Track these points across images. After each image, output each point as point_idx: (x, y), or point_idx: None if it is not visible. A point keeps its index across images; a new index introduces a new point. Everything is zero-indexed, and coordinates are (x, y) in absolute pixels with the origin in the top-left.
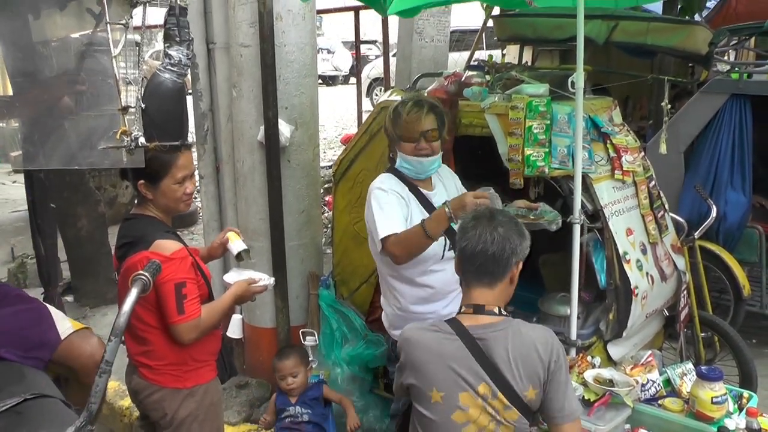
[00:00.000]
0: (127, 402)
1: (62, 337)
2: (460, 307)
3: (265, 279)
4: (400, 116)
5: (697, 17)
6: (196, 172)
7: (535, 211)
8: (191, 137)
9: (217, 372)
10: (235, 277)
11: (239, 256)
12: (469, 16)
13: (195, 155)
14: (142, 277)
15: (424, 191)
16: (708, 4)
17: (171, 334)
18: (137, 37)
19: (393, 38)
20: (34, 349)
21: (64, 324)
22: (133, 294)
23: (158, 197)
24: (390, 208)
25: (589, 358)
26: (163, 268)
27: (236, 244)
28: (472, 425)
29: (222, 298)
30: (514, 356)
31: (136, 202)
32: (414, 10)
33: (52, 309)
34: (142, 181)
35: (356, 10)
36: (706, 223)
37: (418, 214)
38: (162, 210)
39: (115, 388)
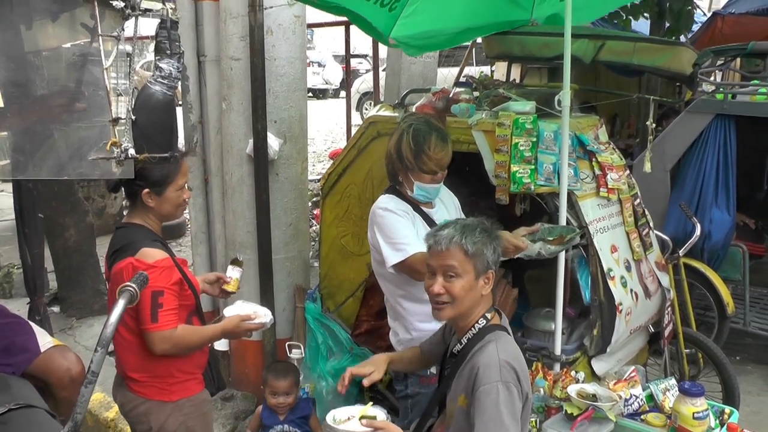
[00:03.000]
0: (111, 414)
1: (42, 350)
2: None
3: (263, 317)
4: (425, 152)
5: (683, 38)
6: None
7: (537, 233)
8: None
9: (204, 385)
10: (234, 311)
11: (235, 261)
12: None
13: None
14: (130, 288)
15: (425, 210)
16: (694, 26)
17: (144, 341)
18: (128, 48)
19: (383, 53)
20: (15, 354)
21: (45, 338)
22: (120, 305)
23: (161, 204)
24: (407, 230)
25: (573, 373)
26: None
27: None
28: None
29: (210, 327)
30: None
31: (125, 212)
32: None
33: (33, 325)
34: (147, 190)
35: (347, 24)
36: (690, 241)
37: (424, 232)
38: (160, 218)
39: (100, 400)
